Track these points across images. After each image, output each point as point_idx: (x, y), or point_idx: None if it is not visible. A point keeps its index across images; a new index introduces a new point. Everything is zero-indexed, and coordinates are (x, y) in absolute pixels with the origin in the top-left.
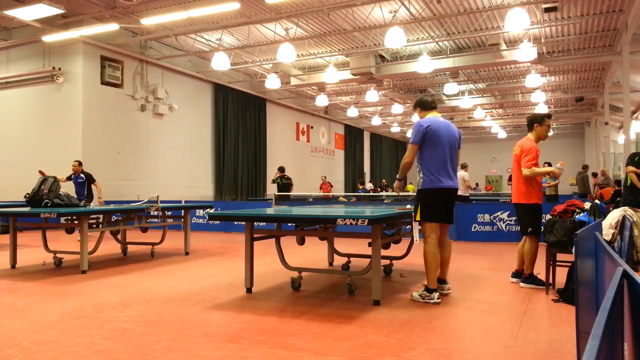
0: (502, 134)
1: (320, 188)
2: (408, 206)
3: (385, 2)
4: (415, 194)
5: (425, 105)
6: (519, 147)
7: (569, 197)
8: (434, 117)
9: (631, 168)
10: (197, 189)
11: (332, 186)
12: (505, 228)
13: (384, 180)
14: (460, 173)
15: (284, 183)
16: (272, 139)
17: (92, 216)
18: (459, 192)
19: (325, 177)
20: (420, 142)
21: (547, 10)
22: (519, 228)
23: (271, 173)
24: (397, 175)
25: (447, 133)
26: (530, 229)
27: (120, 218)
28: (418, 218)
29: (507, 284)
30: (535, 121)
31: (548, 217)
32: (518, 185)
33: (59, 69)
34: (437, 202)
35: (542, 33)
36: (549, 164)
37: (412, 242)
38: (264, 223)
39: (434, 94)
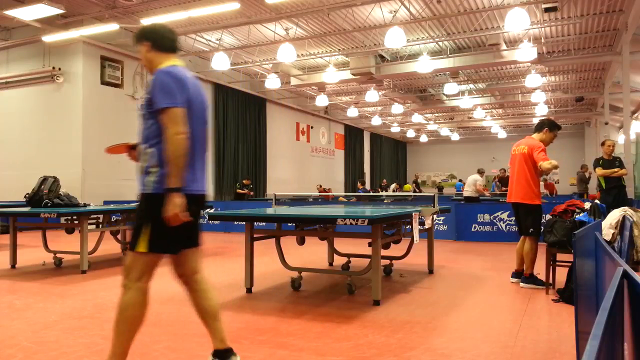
0: (502, 134)
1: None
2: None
3: (385, 2)
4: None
5: (162, 41)
6: (526, 146)
7: (568, 197)
8: (181, 66)
9: (600, 171)
10: None
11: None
12: (505, 228)
13: (384, 181)
14: (474, 177)
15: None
16: (272, 139)
17: (92, 216)
18: (468, 194)
19: (320, 185)
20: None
21: (547, 10)
22: (516, 228)
23: (272, 173)
24: (174, 183)
25: (201, 99)
26: (531, 229)
27: (120, 218)
28: (142, 249)
29: (507, 284)
30: (547, 126)
31: (548, 217)
32: (523, 186)
33: (59, 69)
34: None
35: (542, 33)
36: (504, 170)
37: (412, 242)
38: (264, 223)
39: (434, 94)
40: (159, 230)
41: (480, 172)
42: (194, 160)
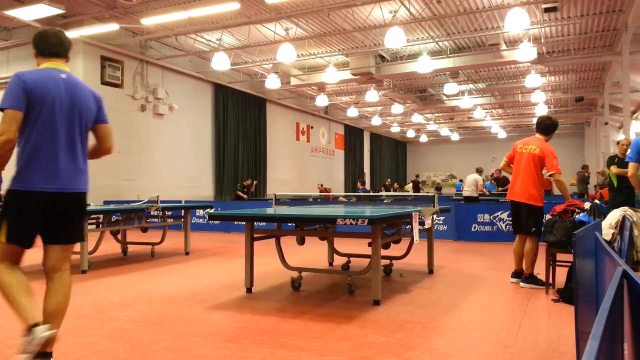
0: (502, 134)
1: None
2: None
3: (385, 2)
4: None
5: (42, 47)
6: (539, 148)
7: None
8: (50, 69)
9: (614, 169)
10: (197, 189)
11: (329, 191)
12: (505, 228)
13: (388, 180)
14: (474, 176)
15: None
16: (272, 139)
17: (92, 216)
18: (468, 193)
19: (321, 184)
20: (24, 107)
21: (547, 10)
22: (511, 227)
23: (272, 173)
24: None
25: (67, 96)
26: (533, 229)
27: (120, 218)
28: (2, 239)
29: (507, 284)
30: (555, 129)
31: (548, 217)
32: (529, 186)
33: None
34: (27, 213)
35: (542, 33)
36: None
37: (412, 242)
38: (264, 223)
39: (434, 94)
40: (13, 223)
41: (480, 171)
42: (43, 159)
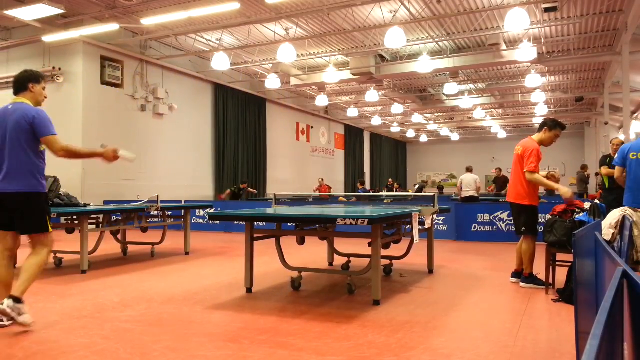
0: (502, 134)
1: (317, 191)
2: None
3: (385, 2)
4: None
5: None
6: (521, 147)
7: None
8: (9, 103)
9: (604, 169)
10: (197, 189)
11: (330, 188)
12: (505, 228)
13: (390, 180)
14: (472, 176)
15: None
16: (272, 139)
17: (92, 216)
18: (470, 194)
19: (322, 179)
20: None
21: (547, 10)
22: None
23: (272, 173)
24: None
25: (5, 121)
26: (523, 228)
27: (120, 218)
28: None
29: (507, 284)
30: (547, 125)
31: (548, 217)
32: (515, 185)
33: (59, 69)
34: None
35: (542, 33)
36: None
37: (412, 242)
38: (264, 223)
39: (434, 94)
40: None
41: (471, 169)
42: None
